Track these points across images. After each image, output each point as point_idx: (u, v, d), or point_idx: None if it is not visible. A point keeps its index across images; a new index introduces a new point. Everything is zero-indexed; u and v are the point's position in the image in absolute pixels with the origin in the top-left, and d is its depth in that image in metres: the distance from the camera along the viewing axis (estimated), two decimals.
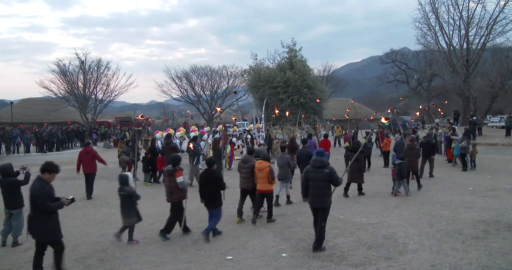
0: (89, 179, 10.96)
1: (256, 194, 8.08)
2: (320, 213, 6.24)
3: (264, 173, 7.80)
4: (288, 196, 9.75)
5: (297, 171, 10.99)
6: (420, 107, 29.48)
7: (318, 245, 6.20)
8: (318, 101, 21.82)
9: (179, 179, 7.00)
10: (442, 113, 28.85)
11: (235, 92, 20.68)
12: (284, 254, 6.07)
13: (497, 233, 6.74)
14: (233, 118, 27.79)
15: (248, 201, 8.36)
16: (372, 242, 6.47)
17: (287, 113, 19.47)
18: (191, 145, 12.76)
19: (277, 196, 9.41)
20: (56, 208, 5.32)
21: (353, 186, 10.71)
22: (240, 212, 8.18)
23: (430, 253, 5.89)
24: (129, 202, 6.84)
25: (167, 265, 5.84)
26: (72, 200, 5.54)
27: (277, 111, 18.65)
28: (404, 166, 10.11)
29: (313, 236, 6.75)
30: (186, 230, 7.40)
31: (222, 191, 7.39)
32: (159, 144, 14.96)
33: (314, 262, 5.71)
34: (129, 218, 6.83)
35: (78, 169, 10.97)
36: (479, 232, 6.79)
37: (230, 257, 6.04)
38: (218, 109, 18.25)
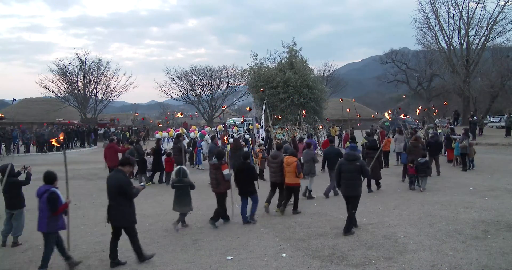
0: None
1: (284, 187, 8.75)
2: (351, 202, 7.04)
3: (292, 168, 8.43)
4: (309, 191, 10.25)
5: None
6: (419, 108, 29.47)
7: (347, 230, 6.94)
8: (341, 100, 23.93)
9: (226, 171, 7.78)
10: (437, 111, 28.74)
11: (262, 92, 20.41)
12: (284, 254, 6.07)
13: (497, 233, 6.74)
14: (242, 119, 27.84)
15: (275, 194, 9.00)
16: (372, 242, 6.47)
17: (279, 116, 19.43)
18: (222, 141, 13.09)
19: (310, 191, 10.18)
20: (137, 195, 5.89)
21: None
22: (269, 201, 8.89)
23: (430, 253, 5.88)
24: (186, 192, 7.58)
25: (167, 265, 5.84)
26: (144, 187, 6.34)
27: (279, 117, 18.86)
28: (429, 163, 10.93)
29: (313, 236, 6.90)
30: (226, 218, 8.14)
31: (255, 181, 8.18)
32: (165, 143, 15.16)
33: (314, 262, 5.71)
34: (185, 206, 7.60)
35: (106, 161, 12.39)
36: (479, 232, 6.79)
37: (230, 257, 6.04)
38: (223, 107, 18.51)
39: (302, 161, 10.42)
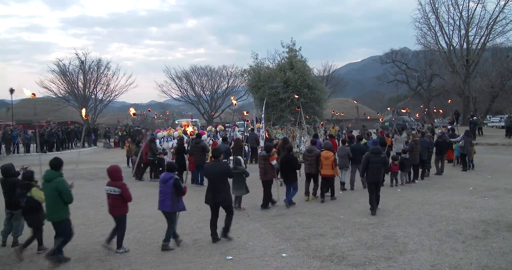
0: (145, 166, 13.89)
1: (321, 178, 9.85)
2: (377, 186, 8.58)
3: (330, 161, 9.65)
4: (343, 183, 11.13)
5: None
6: (421, 106, 29.52)
7: (374, 210, 8.27)
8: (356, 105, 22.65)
9: (274, 161, 9.22)
10: (441, 112, 28.79)
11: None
12: (284, 254, 6.06)
13: (497, 233, 6.74)
14: (247, 120, 27.81)
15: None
16: (372, 242, 6.47)
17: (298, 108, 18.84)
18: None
19: (343, 183, 11.11)
20: None
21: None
22: (307, 192, 9.95)
23: (430, 253, 5.88)
24: (241, 178, 8.55)
25: (167, 265, 5.84)
26: None
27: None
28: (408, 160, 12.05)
29: (313, 236, 6.92)
30: (273, 202, 9.39)
31: (298, 171, 9.55)
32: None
33: (314, 262, 5.71)
34: (240, 190, 8.67)
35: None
36: (479, 232, 6.79)
37: (230, 257, 6.04)
38: (234, 102, 18.12)
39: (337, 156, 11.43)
